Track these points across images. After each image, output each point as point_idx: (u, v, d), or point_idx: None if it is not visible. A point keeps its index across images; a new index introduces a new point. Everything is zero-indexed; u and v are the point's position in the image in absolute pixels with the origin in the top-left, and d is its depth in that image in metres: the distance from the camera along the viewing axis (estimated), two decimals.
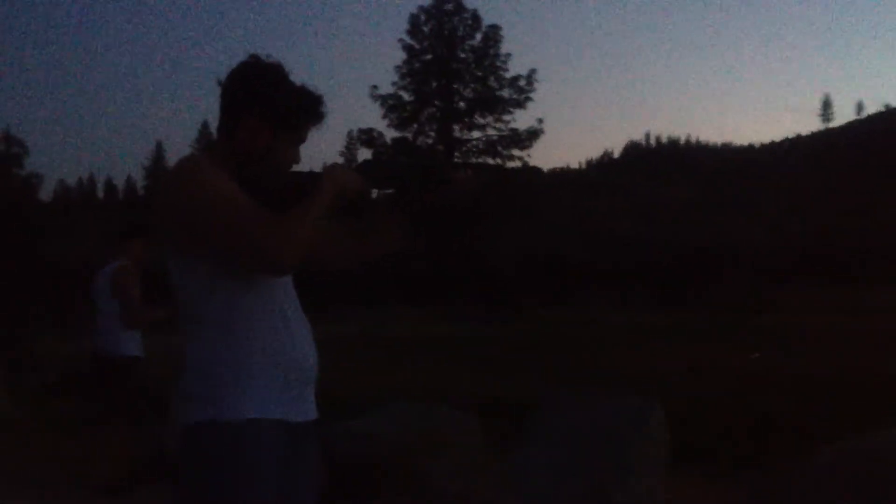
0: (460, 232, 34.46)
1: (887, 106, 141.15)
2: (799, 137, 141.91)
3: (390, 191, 2.35)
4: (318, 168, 2.23)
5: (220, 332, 2.05)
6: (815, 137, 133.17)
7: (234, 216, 1.94)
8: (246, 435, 2.01)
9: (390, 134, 42.82)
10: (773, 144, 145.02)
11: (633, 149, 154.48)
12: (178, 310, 2.13)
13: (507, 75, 42.94)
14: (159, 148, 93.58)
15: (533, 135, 42.20)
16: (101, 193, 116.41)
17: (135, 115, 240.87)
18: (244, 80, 2.11)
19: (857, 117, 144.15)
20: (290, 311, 2.17)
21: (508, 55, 43.25)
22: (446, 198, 2.34)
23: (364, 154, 42.35)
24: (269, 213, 1.97)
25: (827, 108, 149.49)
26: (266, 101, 2.09)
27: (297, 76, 2.16)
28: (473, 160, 41.42)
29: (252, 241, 1.92)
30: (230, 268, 2.02)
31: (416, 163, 2.40)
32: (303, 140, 2.20)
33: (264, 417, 2.04)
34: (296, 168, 2.22)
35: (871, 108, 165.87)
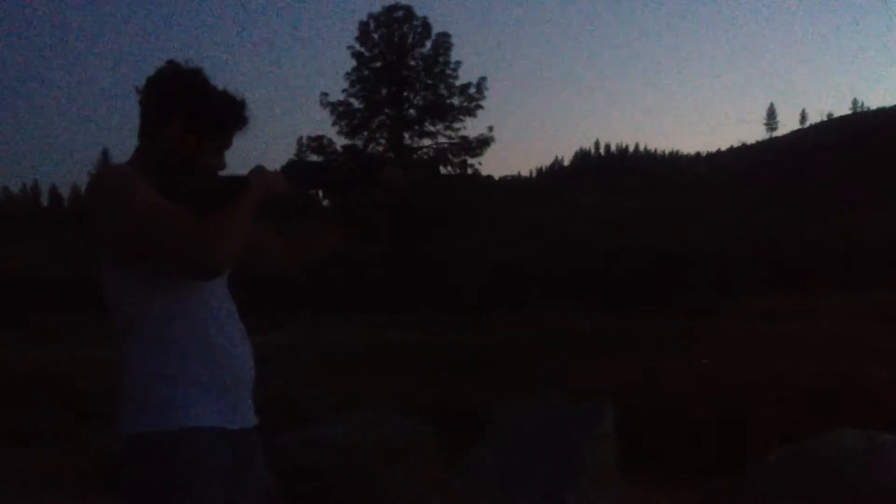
0: (406, 236, 34.41)
1: (829, 115, 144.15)
2: (744, 146, 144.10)
3: (318, 191, 2.33)
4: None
5: (154, 341, 2.03)
6: (760, 146, 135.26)
7: (160, 222, 1.91)
8: (187, 444, 1.99)
9: (341, 141, 42.77)
10: (719, 153, 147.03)
11: (582, 157, 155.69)
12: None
13: (457, 83, 43.13)
14: (105, 155, 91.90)
15: (483, 142, 42.46)
16: (45, 201, 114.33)
17: (81, 120, 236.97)
18: (164, 87, 2.08)
19: (801, 126, 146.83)
20: (225, 318, 2.15)
21: (458, 63, 43.45)
22: (377, 198, 2.32)
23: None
24: (196, 216, 1.95)
25: (772, 116, 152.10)
26: (187, 110, 2.06)
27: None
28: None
29: (180, 246, 1.90)
30: (162, 276, 2.00)
31: (343, 163, 2.40)
32: (227, 146, 2.17)
33: (205, 425, 2.03)
34: (224, 173, 2.18)
35: (815, 118, 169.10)
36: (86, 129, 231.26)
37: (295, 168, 2.26)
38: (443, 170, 40.80)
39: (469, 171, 41.99)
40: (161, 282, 2.01)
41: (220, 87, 2.12)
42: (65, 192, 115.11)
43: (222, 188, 2.08)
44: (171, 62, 2.10)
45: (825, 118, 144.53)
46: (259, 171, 2.13)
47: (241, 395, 2.15)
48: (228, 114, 2.12)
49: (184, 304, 2.05)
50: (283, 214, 2.23)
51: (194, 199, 2.04)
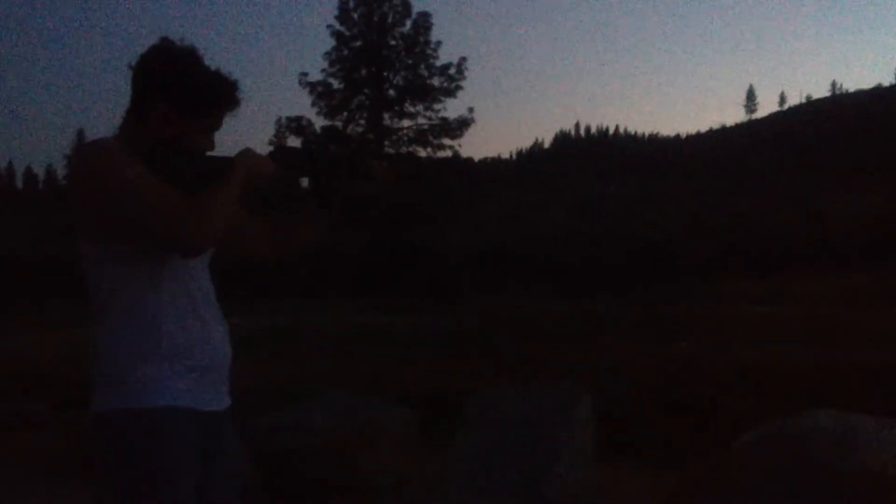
0: (391, 223, 34.38)
1: (808, 98, 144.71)
2: (724, 128, 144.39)
3: (304, 178, 2.34)
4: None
5: (129, 319, 2.03)
6: (739, 128, 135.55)
7: (145, 196, 1.92)
8: (160, 422, 2.00)
9: (320, 122, 42.55)
10: (699, 135, 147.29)
11: (563, 139, 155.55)
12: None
13: (438, 63, 42.96)
14: (80, 136, 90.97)
15: (463, 124, 42.32)
16: (20, 183, 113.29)
17: (55, 101, 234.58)
18: (156, 65, 2.07)
19: (780, 108, 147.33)
20: (201, 300, 2.15)
21: (439, 43, 43.27)
22: (362, 188, 2.34)
23: (294, 143, 41.94)
24: (181, 194, 1.95)
25: (751, 98, 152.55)
26: (179, 88, 2.05)
27: (223, 62, 2.12)
28: (403, 149, 41.46)
29: (163, 221, 1.91)
30: (140, 253, 2.01)
31: (332, 151, 2.40)
32: (217, 127, 2.17)
33: (176, 404, 2.03)
34: (211, 153, 2.18)
35: (794, 100, 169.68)
36: (61, 110, 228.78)
37: (283, 153, 2.27)
38: (422, 151, 40.84)
39: (449, 153, 41.91)
40: (138, 259, 2.02)
41: (213, 66, 2.11)
42: (40, 173, 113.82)
43: (208, 168, 2.08)
44: (165, 39, 2.09)
45: (804, 100, 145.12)
46: (246, 153, 2.13)
47: (215, 376, 2.15)
48: (218, 95, 2.11)
49: (160, 283, 2.05)
50: (267, 199, 2.23)
51: (180, 178, 2.03)
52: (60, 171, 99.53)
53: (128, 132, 2.10)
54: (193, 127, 2.10)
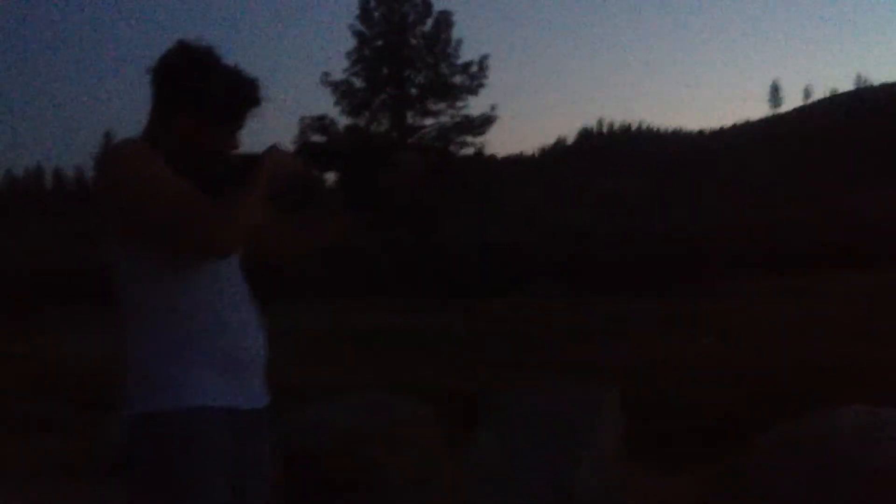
0: (414, 219, 34.37)
1: (833, 91, 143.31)
2: (748, 123, 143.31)
3: (332, 173, 2.33)
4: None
5: (162, 320, 2.02)
6: (763, 123, 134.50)
7: (172, 199, 1.91)
8: (194, 423, 1.99)
9: (343, 121, 42.66)
10: (722, 130, 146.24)
11: (586, 135, 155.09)
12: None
13: (459, 61, 42.91)
14: (108, 137, 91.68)
15: (486, 121, 42.24)
16: (49, 184, 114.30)
17: (83, 103, 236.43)
18: (175, 70, 2.05)
19: (805, 102, 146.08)
20: (236, 298, 2.14)
21: (460, 41, 43.21)
22: (391, 180, 2.31)
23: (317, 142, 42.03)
24: (208, 195, 1.94)
25: (775, 93, 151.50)
26: (199, 93, 2.03)
27: (245, 63, 2.10)
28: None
29: (190, 224, 1.90)
30: (170, 254, 1.99)
31: (359, 144, 2.38)
32: (241, 126, 2.15)
33: (211, 405, 2.02)
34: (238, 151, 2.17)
35: (819, 94, 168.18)
36: (87, 112, 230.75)
37: (310, 149, 2.25)
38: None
39: (471, 151, 41.91)
40: (169, 259, 2.00)
41: (232, 65, 2.09)
42: (69, 174, 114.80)
43: (234, 168, 2.07)
44: (181, 42, 2.07)
45: (829, 94, 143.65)
46: (273, 151, 2.11)
47: (250, 374, 2.14)
48: (240, 96, 2.09)
49: (194, 283, 2.04)
50: (292, 197, 2.20)
51: (205, 179, 2.02)
52: (88, 172, 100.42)
53: (153, 134, 2.09)
54: (218, 129, 2.08)
